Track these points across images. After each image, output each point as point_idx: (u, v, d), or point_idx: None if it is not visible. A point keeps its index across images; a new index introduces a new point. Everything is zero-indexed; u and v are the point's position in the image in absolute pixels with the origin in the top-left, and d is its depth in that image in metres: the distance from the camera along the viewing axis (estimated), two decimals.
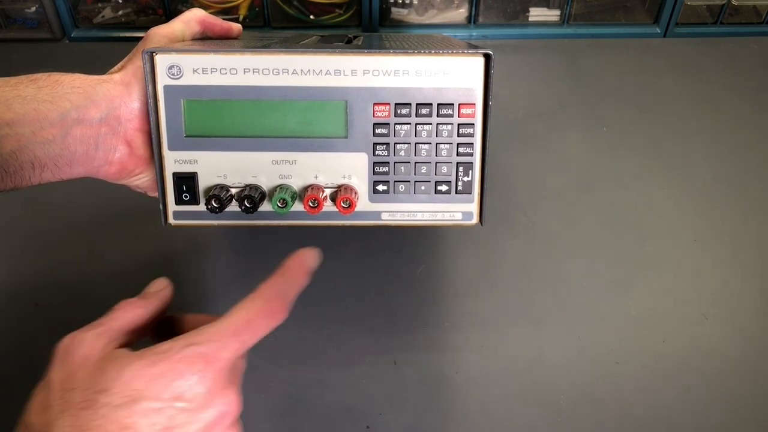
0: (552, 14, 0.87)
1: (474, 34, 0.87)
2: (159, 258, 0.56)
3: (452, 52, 0.39)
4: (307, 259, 0.37)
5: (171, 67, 0.38)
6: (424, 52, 0.39)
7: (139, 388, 0.29)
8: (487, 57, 0.39)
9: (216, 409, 0.31)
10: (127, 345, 0.33)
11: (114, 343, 0.32)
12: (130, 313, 0.35)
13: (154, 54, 0.38)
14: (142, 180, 0.42)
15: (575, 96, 0.77)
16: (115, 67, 0.41)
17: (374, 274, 0.55)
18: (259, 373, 0.48)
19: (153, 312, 0.35)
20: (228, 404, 0.31)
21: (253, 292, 0.34)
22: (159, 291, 0.37)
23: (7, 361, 0.48)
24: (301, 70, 0.38)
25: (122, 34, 0.86)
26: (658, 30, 0.88)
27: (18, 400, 0.46)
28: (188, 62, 0.38)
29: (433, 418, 0.46)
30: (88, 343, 0.31)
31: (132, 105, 0.38)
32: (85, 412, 0.28)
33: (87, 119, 0.36)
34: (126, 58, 0.41)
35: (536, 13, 0.87)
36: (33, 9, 0.83)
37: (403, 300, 0.53)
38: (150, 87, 0.38)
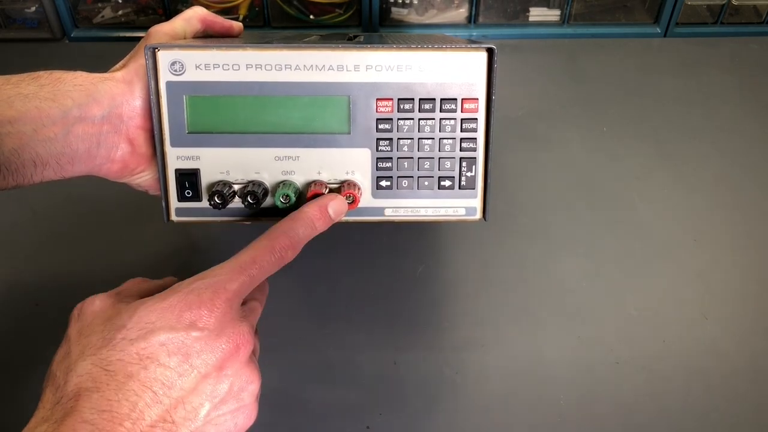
0: (552, 14, 0.87)
1: (474, 34, 0.87)
2: (160, 258, 0.56)
3: (455, 47, 0.39)
4: (329, 204, 0.38)
5: (173, 63, 0.38)
6: (427, 47, 0.39)
7: (153, 321, 0.30)
8: (490, 52, 0.39)
9: (228, 338, 0.31)
10: None
11: (126, 300, 0.33)
12: (138, 285, 0.36)
13: (156, 50, 0.38)
14: (143, 178, 0.42)
15: (575, 96, 0.77)
16: (117, 65, 0.41)
17: (374, 274, 0.55)
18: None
19: (159, 288, 0.36)
20: (240, 335, 0.32)
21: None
22: (167, 281, 0.38)
23: (7, 361, 0.48)
24: (304, 66, 0.38)
25: (122, 34, 0.86)
26: (658, 30, 0.88)
27: (18, 400, 0.46)
28: (191, 58, 0.38)
29: (433, 418, 0.45)
30: (100, 300, 0.33)
31: (134, 103, 0.38)
32: (104, 350, 0.29)
33: (89, 117, 0.36)
34: (128, 56, 0.41)
35: (536, 13, 0.87)
36: (33, 9, 0.83)
37: (403, 300, 0.53)
38: (152, 83, 0.38)
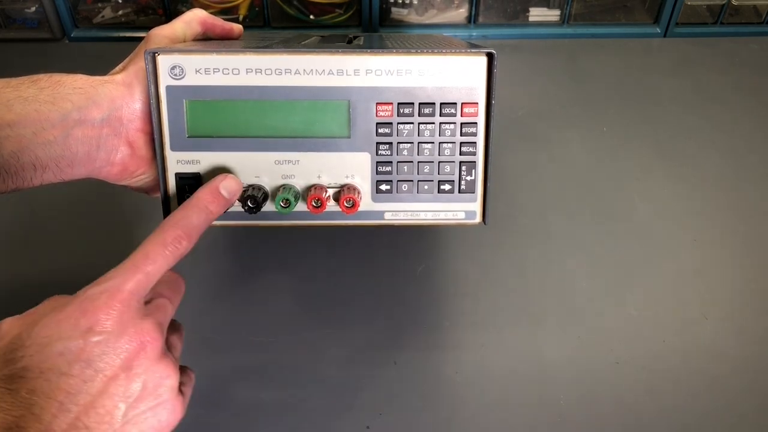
0: (552, 14, 0.87)
1: (474, 34, 0.87)
2: None
3: (455, 52, 0.39)
4: (220, 185, 0.37)
5: (173, 68, 0.38)
6: (427, 52, 0.39)
7: (49, 334, 0.30)
8: (489, 56, 0.39)
9: (131, 337, 0.31)
10: None
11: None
12: (53, 304, 0.34)
13: (156, 54, 0.38)
14: (143, 181, 0.42)
15: (575, 96, 0.77)
16: (117, 68, 0.41)
17: (374, 274, 0.55)
18: (259, 374, 0.48)
19: None
20: (143, 333, 0.31)
21: None
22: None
23: None
24: (304, 70, 0.38)
25: (122, 34, 0.86)
26: (658, 30, 0.88)
27: None
28: (190, 62, 0.38)
29: (433, 418, 0.46)
30: (6, 323, 0.32)
31: (134, 106, 0.38)
32: (5, 370, 0.29)
33: (88, 120, 0.36)
34: (127, 59, 0.41)
35: (536, 13, 0.87)
36: (33, 9, 0.83)
37: (403, 300, 0.53)
38: (152, 87, 0.38)
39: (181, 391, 0.33)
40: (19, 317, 0.32)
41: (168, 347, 0.34)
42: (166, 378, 0.32)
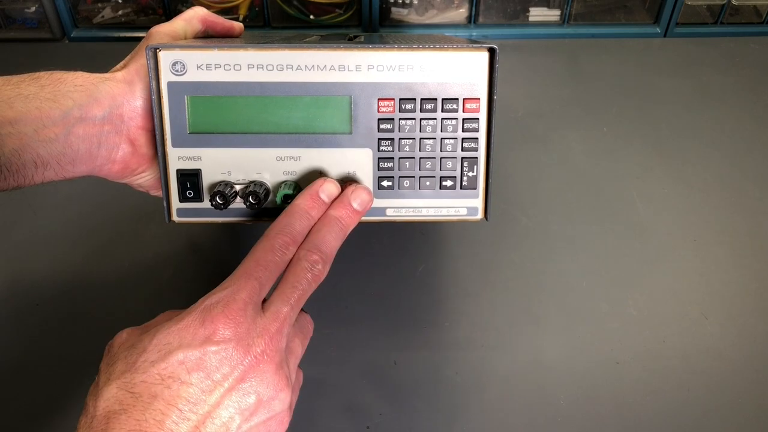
0: (552, 14, 0.87)
1: (474, 34, 0.87)
2: (160, 258, 0.56)
3: (456, 47, 0.39)
4: (319, 190, 0.38)
5: (175, 64, 0.38)
6: (429, 47, 0.39)
7: (171, 341, 0.31)
8: (491, 51, 0.39)
9: (245, 350, 0.31)
10: None
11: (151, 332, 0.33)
12: (168, 317, 0.35)
13: (157, 50, 0.38)
14: (144, 179, 0.42)
15: (575, 96, 0.77)
16: (118, 66, 0.41)
17: (374, 274, 0.55)
18: None
19: None
20: (257, 346, 0.31)
21: None
22: None
23: (7, 361, 0.48)
24: (305, 66, 0.38)
25: (122, 34, 0.86)
26: (658, 30, 0.88)
27: (19, 399, 0.46)
28: (192, 58, 0.38)
29: (433, 418, 0.46)
30: (127, 332, 0.33)
31: (135, 103, 0.38)
32: (128, 374, 0.30)
33: (89, 117, 0.36)
34: (128, 57, 0.41)
35: (536, 13, 0.87)
36: (33, 9, 0.83)
37: (403, 300, 0.53)
38: (153, 83, 0.38)
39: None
40: (137, 327, 0.33)
41: (288, 351, 0.34)
42: (280, 391, 0.32)
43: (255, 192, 0.39)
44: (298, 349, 0.36)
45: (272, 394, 0.32)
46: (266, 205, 0.40)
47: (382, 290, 0.54)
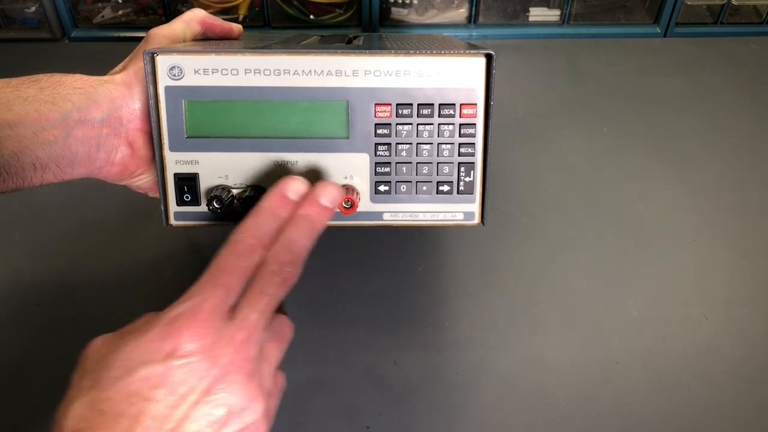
0: (552, 14, 0.87)
1: (474, 34, 0.87)
2: (160, 258, 0.56)
3: (454, 53, 0.39)
4: (286, 189, 0.36)
5: (172, 68, 0.38)
6: (426, 53, 0.39)
7: (134, 357, 0.30)
8: (488, 57, 0.39)
9: (211, 362, 0.30)
10: None
11: (125, 339, 0.32)
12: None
13: (155, 55, 0.38)
14: (143, 181, 0.42)
15: (575, 96, 0.77)
16: (117, 68, 0.41)
17: (374, 274, 0.55)
18: None
19: None
20: (223, 357, 0.30)
21: None
22: None
23: (7, 361, 0.48)
24: (303, 71, 0.38)
25: (122, 34, 0.86)
26: (658, 30, 0.88)
27: (19, 400, 0.46)
28: (189, 63, 0.38)
29: (433, 418, 0.46)
30: (101, 340, 0.32)
31: (133, 106, 0.38)
32: (94, 391, 0.29)
33: (88, 120, 0.36)
34: (127, 59, 0.41)
35: (536, 13, 0.87)
36: (33, 9, 0.83)
37: (403, 300, 0.53)
38: (151, 88, 0.38)
39: (268, 405, 0.33)
40: (112, 334, 0.32)
41: (261, 358, 0.33)
42: (252, 401, 0.31)
43: (252, 197, 0.39)
44: (274, 355, 0.35)
45: (243, 404, 0.31)
46: None
47: (381, 290, 0.54)
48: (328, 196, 0.36)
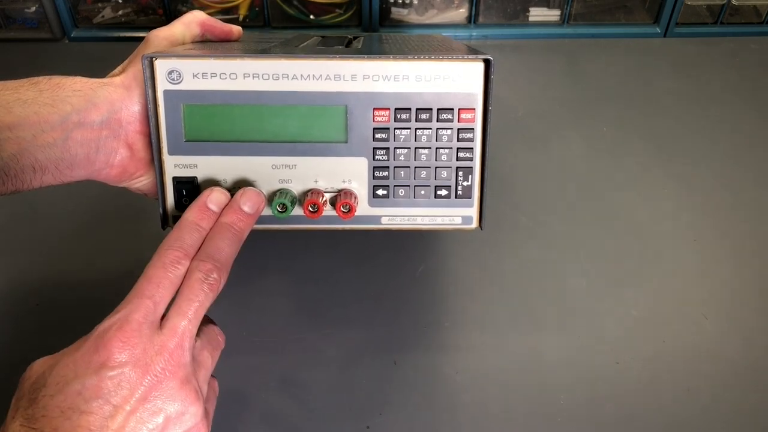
0: (552, 14, 0.87)
1: (474, 34, 0.87)
2: None
3: (452, 58, 0.39)
4: (207, 201, 0.37)
5: (171, 72, 0.38)
6: (424, 57, 0.39)
7: (66, 374, 0.30)
8: (487, 62, 0.39)
9: (143, 370, 0.31)
10: None
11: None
12: None
13: (153, 59, 0.38)
14: (142, 183, 0.42)
15: (575, 96, 0.77)
16: (116, 70, 0.40)
17: (374, 274, 0.55)
18: (259, 374, 0.48)
19: None
20: (156, 364, 0.31)
21: None
22: None
23: (7, 361, 0.48)
24: (301, 75, 0.38)
25: (122, 34, 0.86)
26: (658, 30, 0.88)
27: None
28: (188, 67, 0.38)
29: (433, 418, 0.46)
30: (38, 363, 0.32)
31: (133, 108, 0.38)
32: (29, 410, 0.29)
33: (88, 122, 0.36)
34: (126, 61, 0.41)
35: (536, 13, 0.87)
36: (33, 9, 0.83)
37: (403, 300, 0.53)
38: (150, 92, 0.38)
39: (205, 408, 0.33)
40: (49, 357, 0.33)
41: (196, 364, 0.34)
42: (190, 405, 0.32)
43: None
44: (208, 361, 0.35)
45: (181, 409, 0.31)
46: (262, 213, 0.40)
47: (381, 290, 0.54)
48: (248, 203, 0.38)
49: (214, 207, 0.37)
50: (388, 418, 0.45)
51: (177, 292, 0.34)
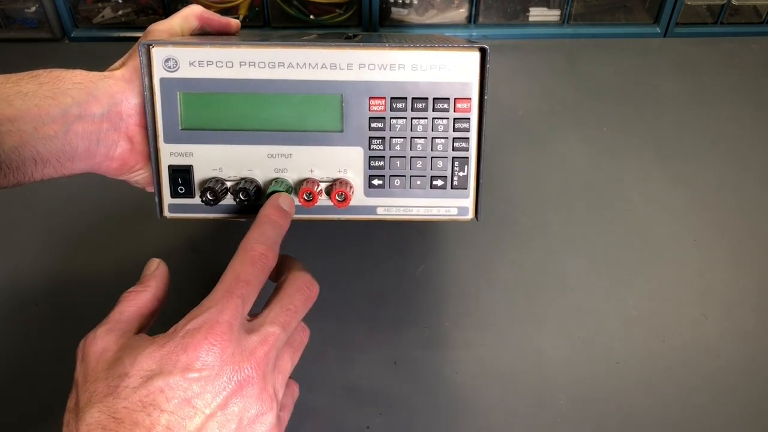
0: (552, 14, 0.87)
1: (474, 34, 0.87)
2: (159, 256, 0.56)
3: (448, 47, 0.39)
4: (280, 202, 0.38)
5: (167, 60, 0.38)
6: (420, 47, 0.39)
7: (152, 368, 0.30)
8: (482, 51, 0.39)
9: (228, 376, 0.31)
10: (141, 330, 0.34)
11: (127, 334, 0.33)
12: (133, 301, 0.35)
13: (150, 47, 0.38)
14: (142, 175, 0.42)
15: (575, 96, 0.77)
16: (116, 63, 0.41)
17: (374, 274, 0.55)
18: None
19: (154, 293, 0.36)
20: (242, 371, 0.31)
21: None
22: (154, 271, 0.38)
23: (7, 361, 0.48)
24: (297, 64, 0.38)
25: (122, 34, 0.86)
26: (658, 30, 0.88)
27: (19, 400, 0.46)
28: (184, 55, 0.38)
29: (433, 418, 0.45)
30: (100, 339, 0.32)
31: (133, 101, 0.39)
32: (110, 398, 0.30)
33: (88, 115, 0.36)
34: (127, 55, 0.41)
35: (536, 13, 0.87)
36: (33, 9, 0.83)
37: (403, 300, 0.53)
38: (146, 80, 0.38)
39: (278, 415, 0.34)
40: (109, 330, 0.33)
41: (276, 370, 0.34)
42: (264, 414, 0.32)
43: (245, 189, 0.39)
44: (288, 366, 0.36)
45: (256, 415, 0.32)
46: (256, 203, 0.40)
47: (382, 290, 0.54)
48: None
49: (286, 207, 0.38)
50: (388, 418, 0.45)
51: (273, 296, 0.35)
